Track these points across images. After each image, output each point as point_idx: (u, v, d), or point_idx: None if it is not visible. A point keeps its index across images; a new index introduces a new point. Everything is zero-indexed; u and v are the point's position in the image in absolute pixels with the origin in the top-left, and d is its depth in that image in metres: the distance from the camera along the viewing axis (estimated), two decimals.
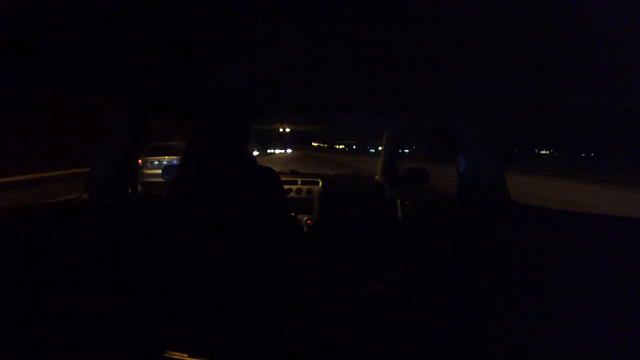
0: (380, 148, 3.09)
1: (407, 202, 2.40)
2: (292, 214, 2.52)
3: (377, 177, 2.98)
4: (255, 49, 1.28)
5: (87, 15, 0.97)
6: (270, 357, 1.12)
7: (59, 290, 1.18)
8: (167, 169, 2.13)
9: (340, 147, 67.03)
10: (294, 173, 3.09)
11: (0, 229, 1.13)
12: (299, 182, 2.77)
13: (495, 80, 1.44)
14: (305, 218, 2.56)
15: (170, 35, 1.17)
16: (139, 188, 1.77)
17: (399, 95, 1.98)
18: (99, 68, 1.29)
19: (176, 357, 1.02)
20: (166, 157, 7.96)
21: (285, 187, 1.34)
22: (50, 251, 1.20)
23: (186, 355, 1.03)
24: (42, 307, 1.12)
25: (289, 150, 43.13)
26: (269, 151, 36.93)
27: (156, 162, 7.80)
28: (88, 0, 0.91)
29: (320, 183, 2.77)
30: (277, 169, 1.49)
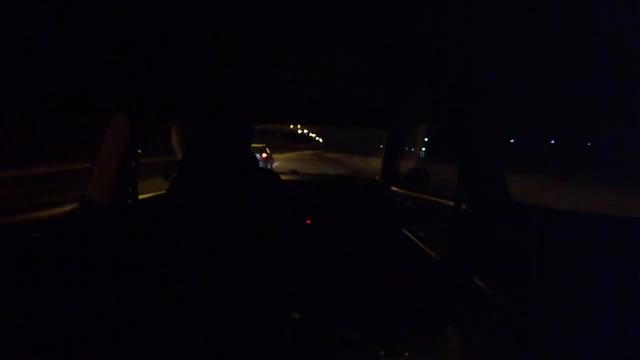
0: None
1: (407, 202, 2.40)
2: (292, 214, 2.53)
3: (377, 177, 2.98)
4: (255, 49, 1.28)
5: (85, 15, 0.97)
6: (270, 356, 1.12)
7: (59, 290, 1.18)
8: (167, 169, 2.13)
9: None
10: (294, 173, 3.10)
11: (1, 231, 1.13)
12: (299, 182, 2.77)
13: (496, 80, 1.44)
14: (305, 218, 2.56)
15: (170, 36, 1.17)
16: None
17: (398, 95, 1.98)
18: (98, 68, 1.29)
19: (177, 356, 1.02)
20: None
21: (285, 187, 1.35)
22: (51, 252, 1.20)
23: (187, 355, 1.03)
24: (43, 308, 1.12)
25: None
26: None
27: None
28: (88, 2, 0.91)
29: (320, 183, 2.77)
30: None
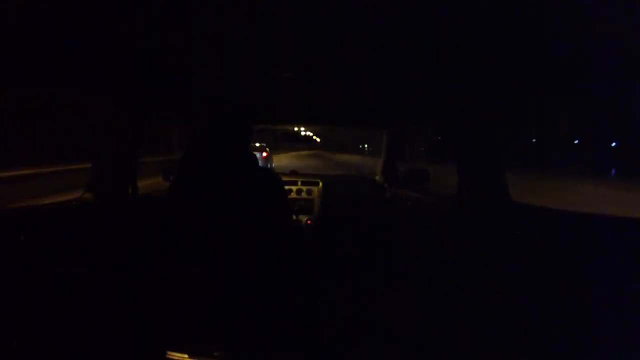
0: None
1: (408, 202, 2.40)
2: (293, 215, 2.52)
3: (377, 178, 2.98)
4: (255, 50, 1.28)
5: (86, 15, 0.97)
6: (270, 356, 1.12)
7: (59, 290, 1.18)
8: (167, 169, 2.13)
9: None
10: (294, 173, 3.09)
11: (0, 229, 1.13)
12: (299, 183, 2.77)
13: (496, 80, 1.44)
14: (305, 218, 2.56)
15: (170, 36, 1.17)
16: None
17: (398, 95, 1.98)
18: (98, 68, 1.29)
19: (176, 357, 1.02)
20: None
21: (285, 187, 1.34)
22: (50, 251, 1.20)
23: (186, 356, 1.03)
24: (42, 307, 1.12)
25: None
26: None
27: None
28: (88, 2, 0.91)
29: (320, 183, 2.77)
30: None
